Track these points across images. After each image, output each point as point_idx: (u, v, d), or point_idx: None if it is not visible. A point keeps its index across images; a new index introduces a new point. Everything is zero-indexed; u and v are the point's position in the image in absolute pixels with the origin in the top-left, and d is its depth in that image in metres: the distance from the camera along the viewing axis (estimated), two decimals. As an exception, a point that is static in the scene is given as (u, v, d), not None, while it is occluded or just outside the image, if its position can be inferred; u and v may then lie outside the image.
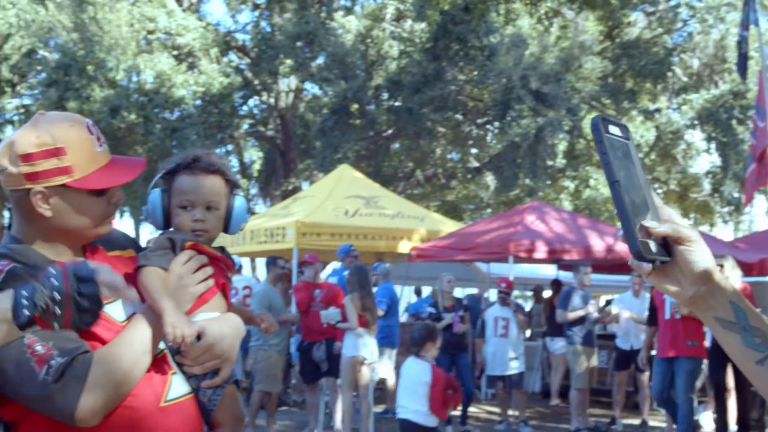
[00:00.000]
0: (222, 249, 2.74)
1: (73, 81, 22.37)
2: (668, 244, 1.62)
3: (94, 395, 2.26)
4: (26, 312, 1.85)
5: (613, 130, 1.67)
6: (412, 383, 7.89)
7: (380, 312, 12.16)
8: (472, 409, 13.35)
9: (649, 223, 1.60)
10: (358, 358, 10.76)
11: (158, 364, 2.46)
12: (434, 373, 7.83)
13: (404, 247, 15.21)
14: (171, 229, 2.70)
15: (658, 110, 25.41)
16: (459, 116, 24.25)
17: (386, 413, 13.62)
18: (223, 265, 2.69)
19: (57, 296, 1.86)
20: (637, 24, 25.05)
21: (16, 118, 28.24)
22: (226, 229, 2.72)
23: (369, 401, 11.02)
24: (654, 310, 10.79)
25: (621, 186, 1.60)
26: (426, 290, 21.46)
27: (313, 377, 11.49)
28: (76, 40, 22.63)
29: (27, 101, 29.28)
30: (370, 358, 10.86)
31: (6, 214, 26.21)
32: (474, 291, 18.90)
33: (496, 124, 23.42)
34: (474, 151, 28.30)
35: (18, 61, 25.61)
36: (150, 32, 23.34)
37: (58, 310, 1.86)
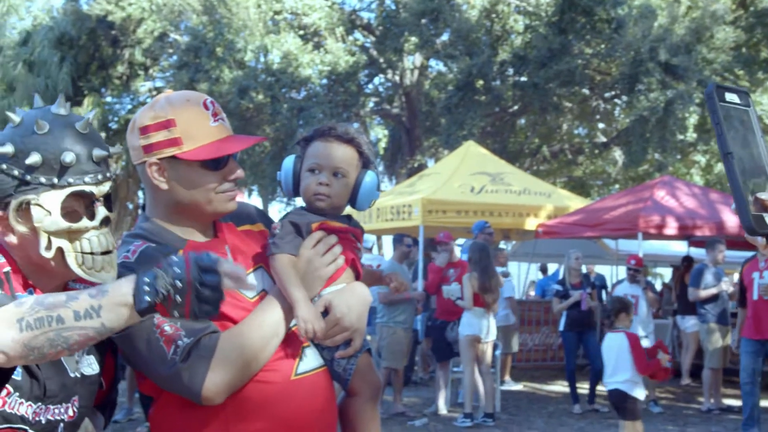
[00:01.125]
0: (349, 218, 2.74)
1: (203, 63, 22.87)
2: None
3: (220, 375, 2.32)
4: (147, 298, 1.89)
5: (731, 97, 1.60)
6: (615, 355, 8.12)
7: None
8: (600, 388, 13.16)
9: (764, 195, 1.54)
10: (473, 337, 10.77)
11: (289, 338, 2.50)
12: (630, 338, 8.05)
13: (531, 223, 15.07)
14: (298, 207, 2.74)
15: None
16: (586, 90, 23.85)
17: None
18: (351, 235, 2.70)
19: (179, 284, 1.89)
20: (772, -8, 24.17)
21: (149, 100, 28.97)
22: (354, 203, 2.72)
23: (489, 378, 11.00)
24: (743, 291, 10.41)
25: (734, 158, 1.54)
26: (552, 267, 21.30)
27: (445, 356, 11.51)
28: (206, 22, 23.11)
29: (159, 84, 30.07)
30: (486, 337, 10.84)
31: (140, 194, 26.97)
32: (603, 268, 18.70)
33: (624, 97, 22.96)
34: (601, 125, 27.81)
35: (150, 45, 26.27)
36: (277, 13, 23.63)
37: (179, 298, 1.89)
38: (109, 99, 30.60)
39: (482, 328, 10.78)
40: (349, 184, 2.68)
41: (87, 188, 2.22)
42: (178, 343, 2.32)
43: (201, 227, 2.60)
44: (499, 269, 11.95)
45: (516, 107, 24.26)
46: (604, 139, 26.95)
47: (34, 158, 2.15)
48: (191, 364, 2.31)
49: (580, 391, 12.17)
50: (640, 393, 8.14)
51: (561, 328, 12.45)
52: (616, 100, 24.91)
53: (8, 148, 2.17)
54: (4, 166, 2.16)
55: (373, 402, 2.68)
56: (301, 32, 24.02)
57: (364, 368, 2.64)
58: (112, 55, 29.32)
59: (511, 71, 22.61)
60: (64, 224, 2.19)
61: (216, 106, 2.58)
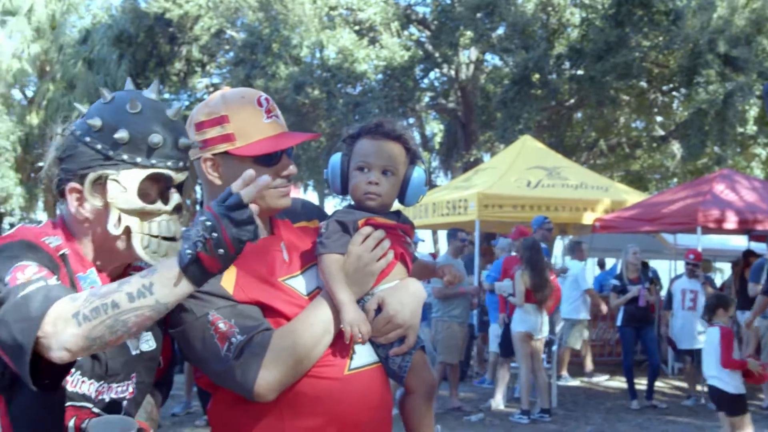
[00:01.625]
0: (398, 214, 2.74)
1: (259, 59, 23.01)
2: None
3: (272, 372, 2.35)
4: (188, 251, 1.94)
5: None
6: (712, 350, 8.22)
7: (488, 286, 12.19)
8: (659, 384, 13.06)
9: None
10: (526, 333, 10.73)
11: (342, 334, 2.50)
12: (721, 331, 8.12)
13: (588, 218, 14.97)
14: (346, 205, 2.74)
15: None
16: (643, 83, 23.58)
17: (482, 382, 13.64)
18: (400, 231, 2.69)
19: (209, 223, 1.93)
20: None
21: (206, 97, 29.25)
22: (402, 199, 2.72)
23: (542, 374, 10.95)
24: None
25: None
26: (609, 262, 21.11)
27: (511, 352, 11.45)
28: (262, 19, 23.25)
29: (216, 80, 30.34)
30: (537, 334, 10.80)
31: (197, 189, 27.23)
32: (661, 263, 18.50)
33: (683, 90, 22.68)
34: (659, 119, 27.48)
35: (207, 42, 26.51)
36: (332, 8, 23.70)
37: (215, 234, 1.93)
38: (166, 96, 30.89)
39: (535, 325, 10.74)
40: (398, 182, 2.68)
41: (167, 172, 2.26)
42: (232, 341, 2.35)
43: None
44: (558, 266, 11.91)
45: (572, 101, 24.07)
46: (662, 133, 26.64)
47: (121, 134, 2.19)
48: (244, 362, 2.34)
49: (637, 387, 12.06)
50: (736, 387, 8.11)
51: (618, 323, 12.35)
52: (674, 93, 24.61)
53: (96, 121, 2.21)
54: (88, 139, 2.21)
55: (428, 399, 2.67)
56: (357, 27, 24.05)
57: (419, 365, 2.63)
58: (170, 53, 29.62)
59: (567, 64, 22.44)
60: (138, 204, 2.23)
61: (270, 102, 2.60)
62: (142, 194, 2.24)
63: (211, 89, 29.21)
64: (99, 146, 2.20)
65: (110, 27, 30.10)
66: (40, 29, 34.44)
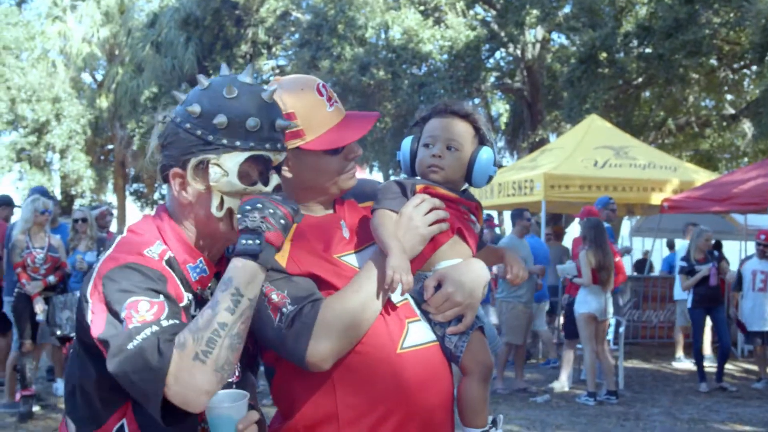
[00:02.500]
0: (464, 191, 2.74)
1: (324, 41, 23.08)
2: None
3: (322, 341, 2.37)
4: (257, 242, 2.18)
5: None
6: None
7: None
8: (728, 366, 12.90)
9: None
10: (589, 315, 10.66)
11: (395, 312, 2.52)
12: None
13: (656, 198, 14.80)
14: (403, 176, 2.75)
15: None
16: (713, 61, 23.17)
17: (547, 364, 13.53)
18: (463, 207, 2.69)
19: (258, 205, 2.20)
20: None
21: (272, 78, 29.43)
22: (470, 179, 2.72)
23: (607, 355, 10.87)
24: None
25: None
26: (680, 243, 20.85)
27: (575, 334, 11.39)
28: (327, 0, 23.27)
29: (282, 62, 30.51)
30: (602, 315, 10.71)
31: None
32: (731, 244, 18.23)
33: (754, 68, 22.30)
34: (729, 97, 27.04)
35: (273, 24, 26.67)
36: (397, -11, 23.66)
37: (269, 210, 2.19)
38: (233, 78, 31.15)
39: (598, 306, 10.66)
40: (463, 159, 2.68)
41: (266, 154, 2.33)
42: (283, 311, 2.39)
43: (322, 203, 2.66)
44: (619, 246, 11.80)
45: (640, 79, 23.74)
46: (732, 111, 26.19)
47: (220, 119, 2.27)
48: (295, 331, 2.37)
49: (706, 369, 11.93)
50: None
51: (689, 305, 12.16)
52: (745, 71, 24.20)
53: (196, 108, 2.29)
54: (188, 125, 2.30)
55: (484, 382, 2.64)
56: (422, 8, 23.99)
57: (476, 346, 2.61)
58: (236, 35, 29.83)
59: (635, 43, 22.12)
60: (240, 186, 2.31)
61: (328, 89, 2.64)
62: (243, 176, 2.32)
63: (278, 71, 29.38)
64: (199, 132, 2.28)
65: (177, 10, 30.42)
66: (109, 13, 35.00)
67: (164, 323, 2.10)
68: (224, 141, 2.27)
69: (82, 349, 2.32)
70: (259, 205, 2.15)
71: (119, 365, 2.06)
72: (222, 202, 2.31)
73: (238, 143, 2.28)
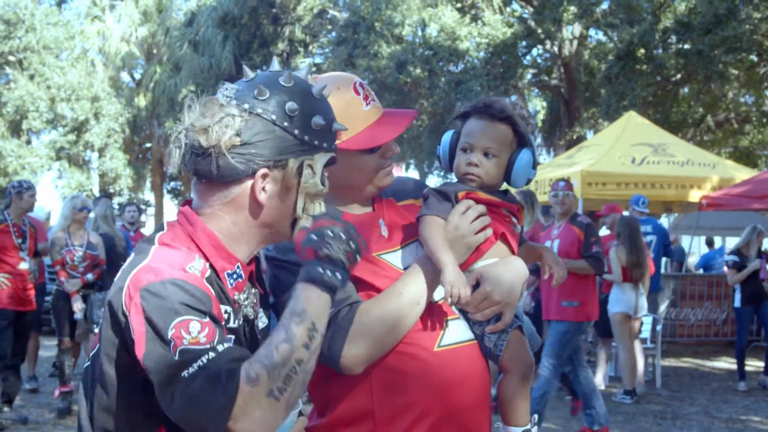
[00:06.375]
0: (505, 193, 2.73)
1: (361, 39, 23.10)
2: None
3: (357, 345, 2.38)
4: (339, 276, 2.07)
5: None
6: None
7: None
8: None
9: None
10: (622, 314, 10.59)
11: (434, 310, 2.51)
12: None
13: (694, 195, 14.66)
14: (445, 182, 2.74)
15: None
16: (753, 57, 22.95)
17: None
18: (505, 210, 2.67)
19: (342, 236, 2.09)
20: None
21: (309, 77, 29.48)
22: (508, 181, 2.70)
23: (635, 354, 10.80)
24: None
25: None
26: (718, 241, 20.67)
27: (608, 332, 11.33)
28: (363, -2, 23.32)
29: (318, 60, 30.57)
30: (636, 313, 10.64)
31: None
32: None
33: (795, 64, 22.04)
34: (770, 93, 26.79)
35: (310, 22, 26.76)
36: (434, -14, 23.64)
37: (351, 244, 2.09)
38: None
39: (631, 304, 10.59)
40: (501, 164, 2.66)
41: (333, 154, 2.28)
42: None
43: (361, 202, 2.66)
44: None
45: (679, 76, 23.56)
46: (772, 108, 25.96)
47: (318, 120, 2.19)
48: (330, 335, 2.35)
49: (747, 368, 11.82)
50: None
51: (737, 304, 11.96)
52: (785, 66, 23.94)
53: (294, 106, 2.17)
54: (286, 124, 2.16)
55: (524, 381, 2.62)
56: (459, 5, 23.96)
57: (515, 345, 2.60)
58: (273, 33, 29.95)
59: (674, 39, 21.97)
60: (323, 188, 2.25)
61: (365, 87, 2.62)
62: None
63: (315, 69, 29.37)
64: (296, 132, 2.16)
65: (215, 9, 30.58)
66: (147, 12, 35.27)
67: (219, 347, 1.97)
68: (316, 142, 2.19)
69: (109, 366, 2.11)
70: (343, 236, 2.05)
71: (176, 398, 1.93)
72: (305, 204, 2.23)
73: (325, 145, 2.21)
